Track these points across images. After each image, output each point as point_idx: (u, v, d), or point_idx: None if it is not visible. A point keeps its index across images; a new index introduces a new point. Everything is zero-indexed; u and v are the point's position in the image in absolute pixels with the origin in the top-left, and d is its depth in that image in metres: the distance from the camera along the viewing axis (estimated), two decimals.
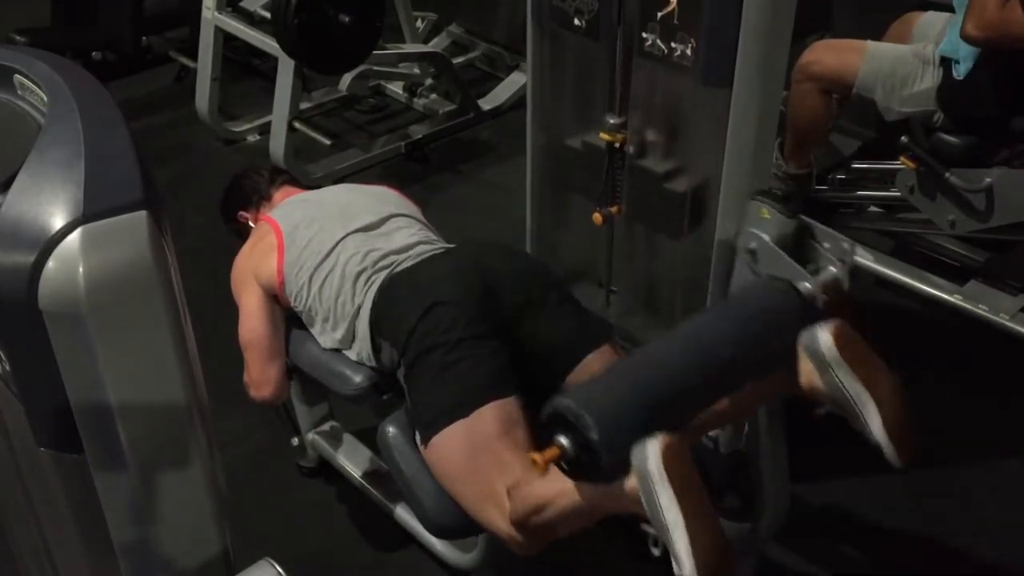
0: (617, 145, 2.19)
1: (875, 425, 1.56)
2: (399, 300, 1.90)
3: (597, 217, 2.26)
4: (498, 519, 1.71)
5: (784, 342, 1.63)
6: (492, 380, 1.77)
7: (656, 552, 1.44)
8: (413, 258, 2.00)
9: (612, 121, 2.17)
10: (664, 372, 1.52)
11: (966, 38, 2.44)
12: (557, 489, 1.55)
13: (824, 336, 1.60)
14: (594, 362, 1.87)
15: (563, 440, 1.40)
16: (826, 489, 2.48)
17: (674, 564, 1.38)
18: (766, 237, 1.76)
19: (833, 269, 1.73)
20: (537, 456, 1.45)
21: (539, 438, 1.58)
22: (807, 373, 1.64)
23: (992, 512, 2.47)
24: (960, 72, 2.59)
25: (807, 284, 1.70)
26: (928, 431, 2.64)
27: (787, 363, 1.64)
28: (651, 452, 1.38)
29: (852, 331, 1.62)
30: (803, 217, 1.79)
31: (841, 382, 1.59)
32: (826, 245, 1.77)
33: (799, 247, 1.78)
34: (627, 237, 2.33)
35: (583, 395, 1.43)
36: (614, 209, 2.25)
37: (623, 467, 1.41)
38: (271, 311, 2.10)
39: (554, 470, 1.49)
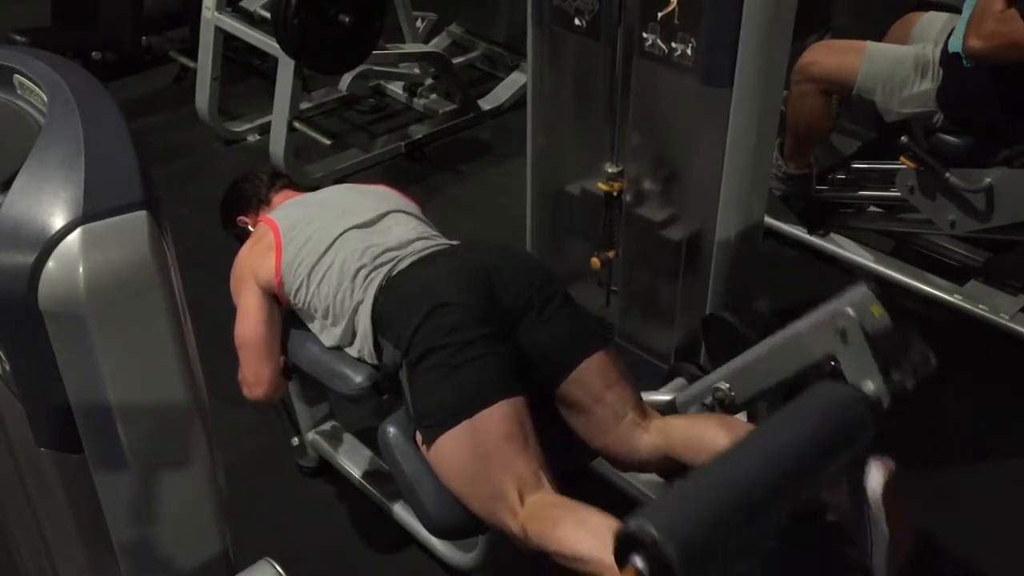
0: (615, 194, 2.25)
1: (880, 560, 1.60)
2: (401, 301, 1.89)
3: (595, 261, 2.33)
4: (508, 518, 1.71)
5: (854, 453, 1.60)
6: (499, 380, 1.77)
7: None
8: (413, 255, 2.00)
9: (610, 171, 2.24)
10: (742, 492, 1.43)
11: (969, 51, 2.44)
12: (587, 552, 1.59)
13: (875, 475, 1.61)
14: (590, 368, 1.87)
15: (639, 563, 1.32)
16: None
17: None
18: (862, 329, 1.72)
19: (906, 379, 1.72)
20: None
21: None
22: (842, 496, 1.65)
23: (993, 512, 2.46)
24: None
25: (873, 386, 1.67)
26: (928, 431, 2.66)
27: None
28: None
29: (900, 482, 1.62)
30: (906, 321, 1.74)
31: (871, 519, 1.61)
32: (910, 353, 1.76)
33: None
34: (626, 280, 2.39)
35: (662, 518, 1.34)
36: (611, 254, 2.32)
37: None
38: (269, 311, 2.10)
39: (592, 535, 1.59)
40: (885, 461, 1.60)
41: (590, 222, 2.40)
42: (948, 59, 2.64)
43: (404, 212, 2.16)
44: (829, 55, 2.86)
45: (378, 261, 1.99)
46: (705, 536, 1.33)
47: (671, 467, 1.88)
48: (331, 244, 2.03)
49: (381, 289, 1.94)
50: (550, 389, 1.87)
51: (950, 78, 2.63)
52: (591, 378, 1.86)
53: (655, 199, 2.32)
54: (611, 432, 1.88)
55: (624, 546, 1.32)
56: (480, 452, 1.72)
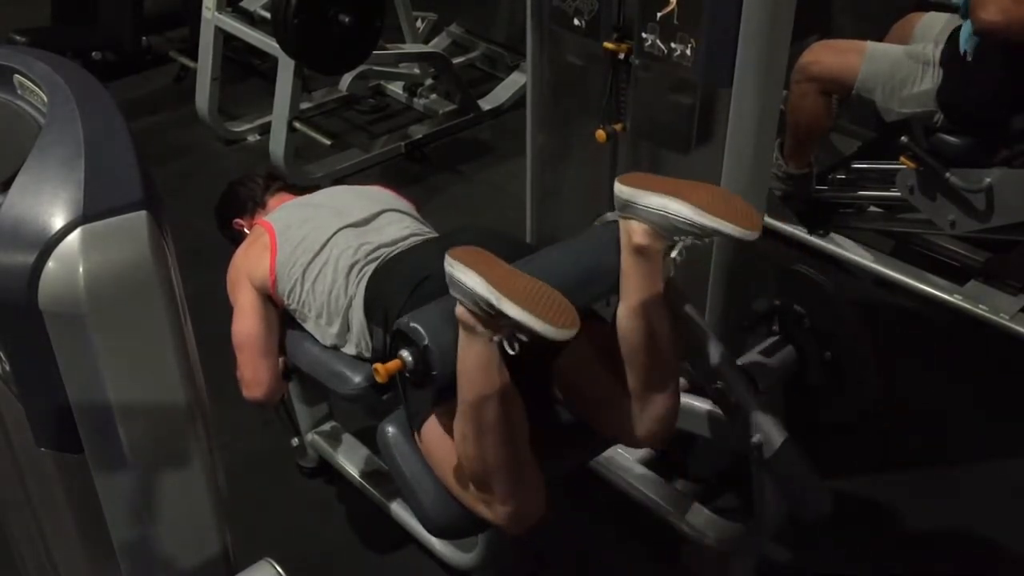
0: (621, 56, 2.09)
1: (691, 214, 1.60)
2: (389, 281, 1.91)
3: (600, 134, 2.18)
4: (481, 506, 1.71)
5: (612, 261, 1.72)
6: None
7: (511, 350, 1.52)
8: (404, 248, 2.01)
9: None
10: None
11: (980, 25, 2.41)
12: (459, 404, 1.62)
13: (616, 187, 1.69)
14: (582, 343, 1.86)
15: (404, 353, 1.58)
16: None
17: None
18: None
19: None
20: (380, 367, 1.58)
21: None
22: (625, 234, 1.69)
23: (993, 512, 2.46)
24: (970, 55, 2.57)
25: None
26: (928, 431, 2.66)
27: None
28: (446, 263, 1.54)
29: (638, 172, 1.71)
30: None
31: (645, 206, 1.65)
32: None
33: None
34: (631, 164, 2.26)
35: (420, 314, 1.60)
36: (618, 126, 2.19)
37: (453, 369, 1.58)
38: (265, 312, 2.11)
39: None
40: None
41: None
42: (949, 59, 2.64)
43: (398, 211, 2.17)
44: (829, 54, 2.85)
45: (371, 257, 2.01)
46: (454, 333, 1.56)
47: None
48: (325, 243, 2.04)
49: (371, 279, 1.96)
50: (543, 366, 1.85)
51: (950, 78, 2.63)
52: (588, 353, 1.84)
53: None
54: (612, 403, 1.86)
55: (395, 343, 1.60)
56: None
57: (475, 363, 1.56)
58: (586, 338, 1.74)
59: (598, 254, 1.75)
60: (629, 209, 1.68)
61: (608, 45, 2.10)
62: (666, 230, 1.65)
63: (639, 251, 1.68)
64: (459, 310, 1.53)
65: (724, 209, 1.59)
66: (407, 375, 1.60)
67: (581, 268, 1.74)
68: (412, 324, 1.58)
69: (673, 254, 1.68)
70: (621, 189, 1.69)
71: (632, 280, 1.71)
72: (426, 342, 1.56)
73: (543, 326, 1.44)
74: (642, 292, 1.70)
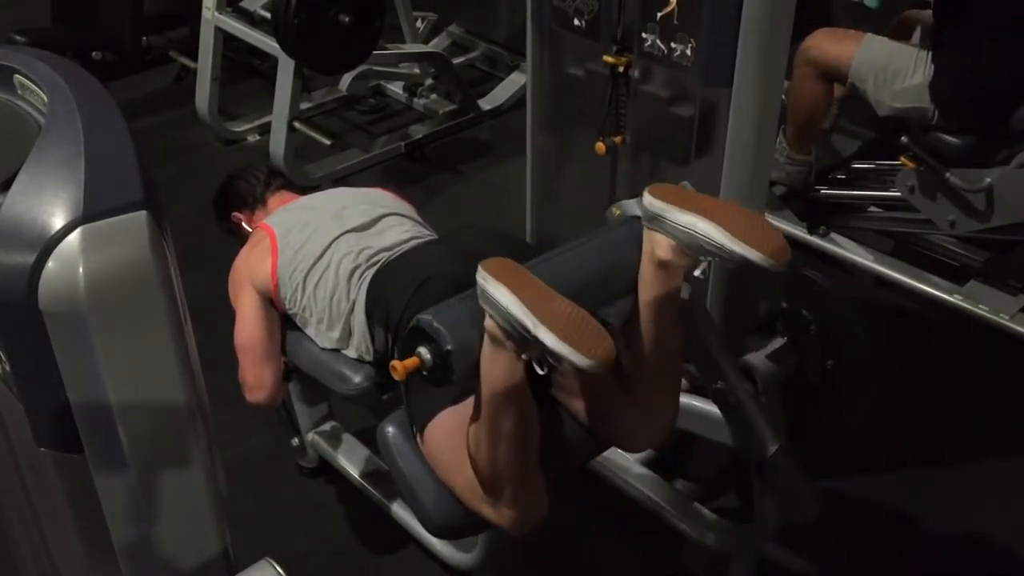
0: (621, 69, 2.10)
1: (721, 238, 1.55)
2: (390, 284, 1.91)
3: (600, 146, 2.17)
4: (486, 507, 1.71)
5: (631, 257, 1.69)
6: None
7: (540, 371, 1.49)
8: (405, 251, 2.02)
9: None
10: None
11: None
12: (479, 410, 1.59)
13: (646, 198, 1.65)
14: None
15: (423, 351, 1.53)
16: (826, 489, 2.48)
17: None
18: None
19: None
20: (397, 364, 1.53)
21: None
22: (649, 245, 1.65)
23: (993, 512, 2.47)
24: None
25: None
26: (928, 431, 2.66)
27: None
28: (479, 276, 1.50)
29: (668, 184, 1.67)
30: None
31: (674, 222, 1.60)
32: None
33: None
34: (631, 174, 2.26)
35: (443, 313, 1.55)
36: (617, 138, 2.19)
37: (473, 368, 1.55)
38: (267, 315, 2.11)
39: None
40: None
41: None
42: (935, 52, 2.64)
43: (399, 215, 2.17)
44: (828, 40, 2.88)
45: (372, 261, 2.01)
46: (476, 327, 1.53)
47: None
48: (326, 249, 2.04)
49: (372, 283, 1.96)
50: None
51: (939, 72, 2.63)
52: None
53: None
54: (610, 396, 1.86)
55: (413, 339, 1.54)
56: (462, 439, 1.71)
57: (500, 376, 1.53)
58: None
59: (618, 253, 1.70)
60: (657, 222, 1.63)
61: (608, 59, 2.10)
62: (693, 249, 1.60)
63: (662, 265, 1.64)
64: (489, 323, 1.49)
65: (754, 236, 1.55)
66: (424, 373, 1.55)
67: (601, 268, 1.70)
68: (436, 324, 1.52)
69: (697, 272, 1.65)
70: (652, 202, 1.64)
71: (649, 291, 1.67)
72: (450, 346, 1.50)
73: (579, 358, 1.40)
74: (658, 305, 1.67)
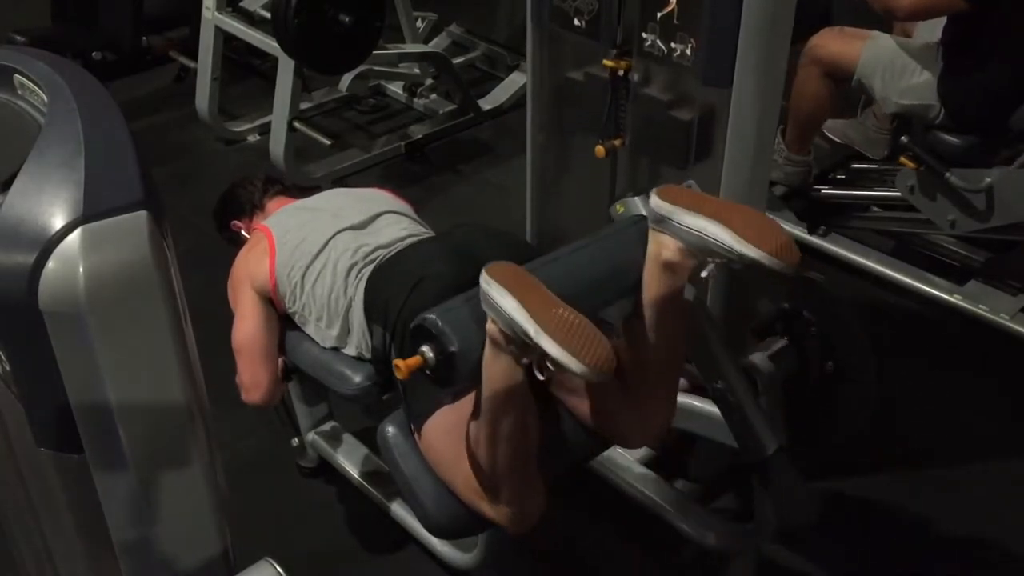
0: (621, 73, 2.11)
1: (730, 241, 1.54)
2: (388, 281, 1.92)
3: (600, 150, 2.17)
4: (485, 504, 1.71)
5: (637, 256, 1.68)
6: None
7: (540, 376, 1.48)
8: (402, 248, 2.02)
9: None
10: None
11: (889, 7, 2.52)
12: (479, 410, 1.59)
13: (653, 200, 1.63)
14: None
15: (426, 350, 1.52)
16: (825, 489, 2.48)
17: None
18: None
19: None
20: (400, 363, 1.52)
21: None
22: (655, 246, 1.64)
23: (994, 513, 2.47)
24: None
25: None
26: (928, 431, 2.66)
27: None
28: (483, 280, 1.50)
29: (676, 186, 1.66)
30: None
31: (682, 225, 1.59)
32: None
33: None
34: (631, 174, 2.26)
35: (448, 313, 1.55)
36: (617, 142, 2.18)
37: (475, 370, 1.55)
38: (266, 316, 2.11)
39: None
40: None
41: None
42: (947, 49, 2.64)
43: (396, 212, 2.18)
44: (835, 39, 2.88)
45: (369, 258, 2.02)
46: (480, 326, 1.53)
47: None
48: (323, 246, 2.05)
49: (369, 280, 1.96)
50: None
51: (949, 69, 2.63)
52: None
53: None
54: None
55: (416, 338, 1.54)
56: (460, 436, 1.71)
57: (500, 378, 1.53)
58: None
59: (622, 254, 1.69)
60: (664, 224, 1.62)
61: (608, 63, 2.11)
62: (700, 251, 1.59)
63: (668, 267, 1.63)
64: (491, 327, 1.49)
65: (763, 238, 1.53)
66: (427, 372, 1.55)
67: (605, 270, 1.69)
68: (441, 325, 1.52)
69: (703, 274, 1.63)
70: (660, 204, 1.62)
71: (653, 291, 1.66)
72: (454, 347, 1.50)
73: (580, 367, 1.40)
74: (662, 306, 1.66)
